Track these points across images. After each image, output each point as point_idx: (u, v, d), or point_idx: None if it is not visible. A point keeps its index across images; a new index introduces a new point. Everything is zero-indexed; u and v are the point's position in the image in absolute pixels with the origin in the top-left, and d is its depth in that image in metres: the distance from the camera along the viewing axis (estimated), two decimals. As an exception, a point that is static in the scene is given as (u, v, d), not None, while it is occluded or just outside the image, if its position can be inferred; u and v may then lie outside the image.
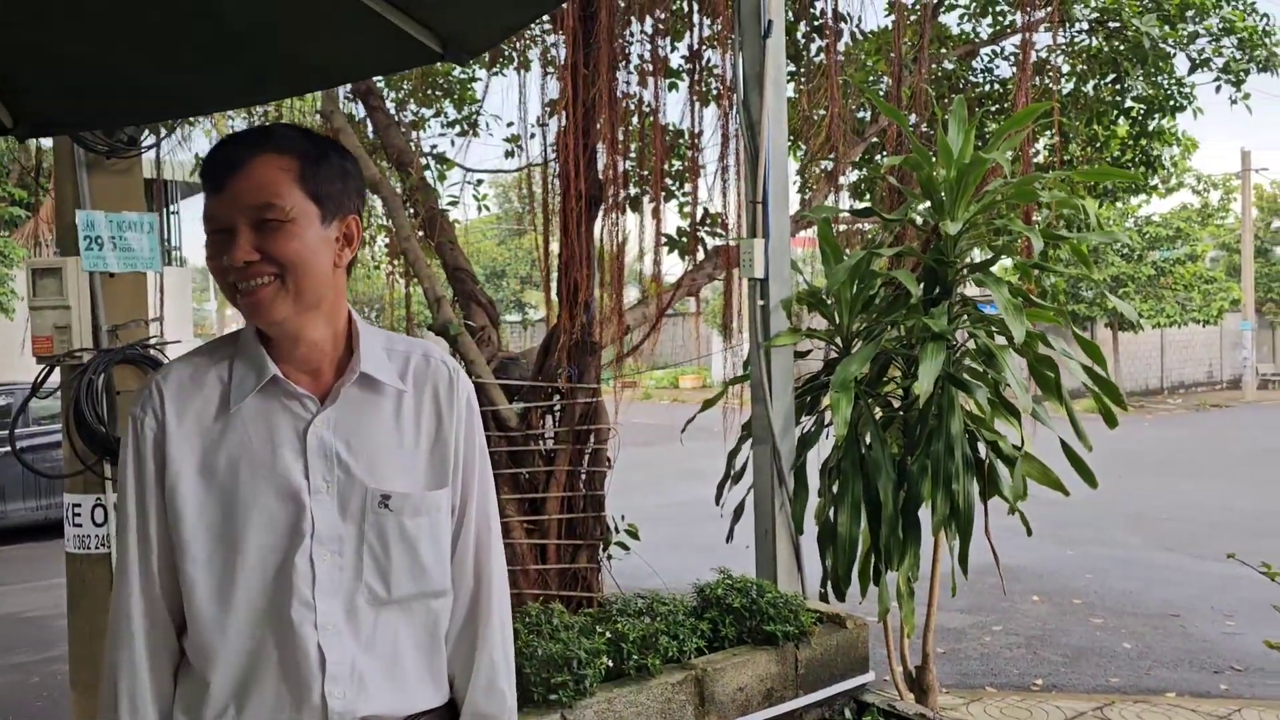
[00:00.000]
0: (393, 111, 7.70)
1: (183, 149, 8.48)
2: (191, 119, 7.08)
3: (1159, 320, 24.88)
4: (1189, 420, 21.86)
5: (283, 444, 1.38)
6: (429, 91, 7.74)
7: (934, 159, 3.71)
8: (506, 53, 7.06)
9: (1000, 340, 3.79)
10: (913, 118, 5.98)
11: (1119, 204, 23.91)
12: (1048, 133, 7.31)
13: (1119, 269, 24.20)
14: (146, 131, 3.76)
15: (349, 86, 6.16)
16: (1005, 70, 6.95)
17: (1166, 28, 6.22)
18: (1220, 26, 5.98)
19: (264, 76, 2.59)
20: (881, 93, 6.63)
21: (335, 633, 1.36)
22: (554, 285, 4.69)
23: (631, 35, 5.89)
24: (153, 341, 3.66)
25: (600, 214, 4.51)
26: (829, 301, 3.87)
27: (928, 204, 3.83)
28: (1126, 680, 5.62)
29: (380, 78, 7.51)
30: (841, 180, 6.71)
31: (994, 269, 3.97)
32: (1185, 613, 6.85)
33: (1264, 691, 5.29)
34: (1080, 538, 9.25)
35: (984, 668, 5.86)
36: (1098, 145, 7.44)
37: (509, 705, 1.50)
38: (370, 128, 6.28)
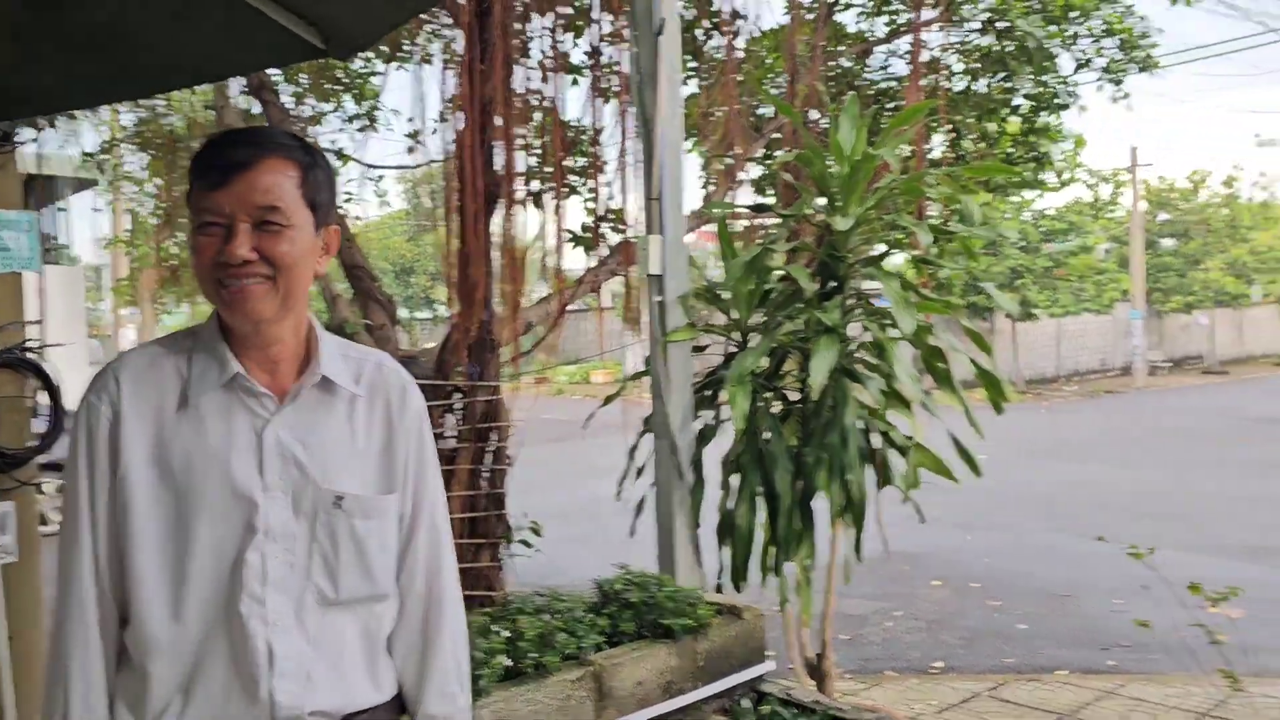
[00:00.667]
0: (290, 106, 7.52)
1: (71, 144, 8.16)
2: (75, 114, 6.82)
3: (1054, 310, 25.78)
4: (1083, 406, 22.73)
5: (240, 441, 1.40)
6: (328, 86, 7.59)
7: (827, 155, 3.78)
8: (407, 47, 6.96)
9: (894, 333, 3.88)
10: (814, 115, 6.09)
11: (1016, 198, 24.73)
12: (943, 129, 7.52)
13: (1017, 261, 24.99)
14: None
15: (243, 80, 6.00)
16: (901, 68, 7.13)
17: (1052, 28, 6.44)
18: (1101, 28, 6.23)
19: (137, 72, 2.51)
20: (781, 90, 6.73)
21: (284, 629, 1.38)
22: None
23: (533, 31, 5.86)
24: (33, 344, 3.51)
25: (500, 210, 4.48)
26: (727, 297, 3.91)
27: (823, 200, 3.90)
28: (1021, 659, 5.82)
29: (277, 73, 7.34)
30: (744, 176, 6.81)
31: (892, 263, 4.08)
32: (1076, 592, 7.12)
33: (1149, 666, 5.53)
34: (980, 523, 9.54)
35: (885, 652, 6.01)
36: (991, 142, 7.67)
37: (461, 705, 1.55)
38: (266, 123, 6.13)
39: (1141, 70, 6.35)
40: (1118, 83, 6.45)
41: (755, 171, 7.30)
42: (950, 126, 7.15)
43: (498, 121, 4.29)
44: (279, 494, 1.39)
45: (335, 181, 1.49)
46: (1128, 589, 7.01)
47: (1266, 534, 8.77)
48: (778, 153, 6.72)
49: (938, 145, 7.67)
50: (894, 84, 7.28)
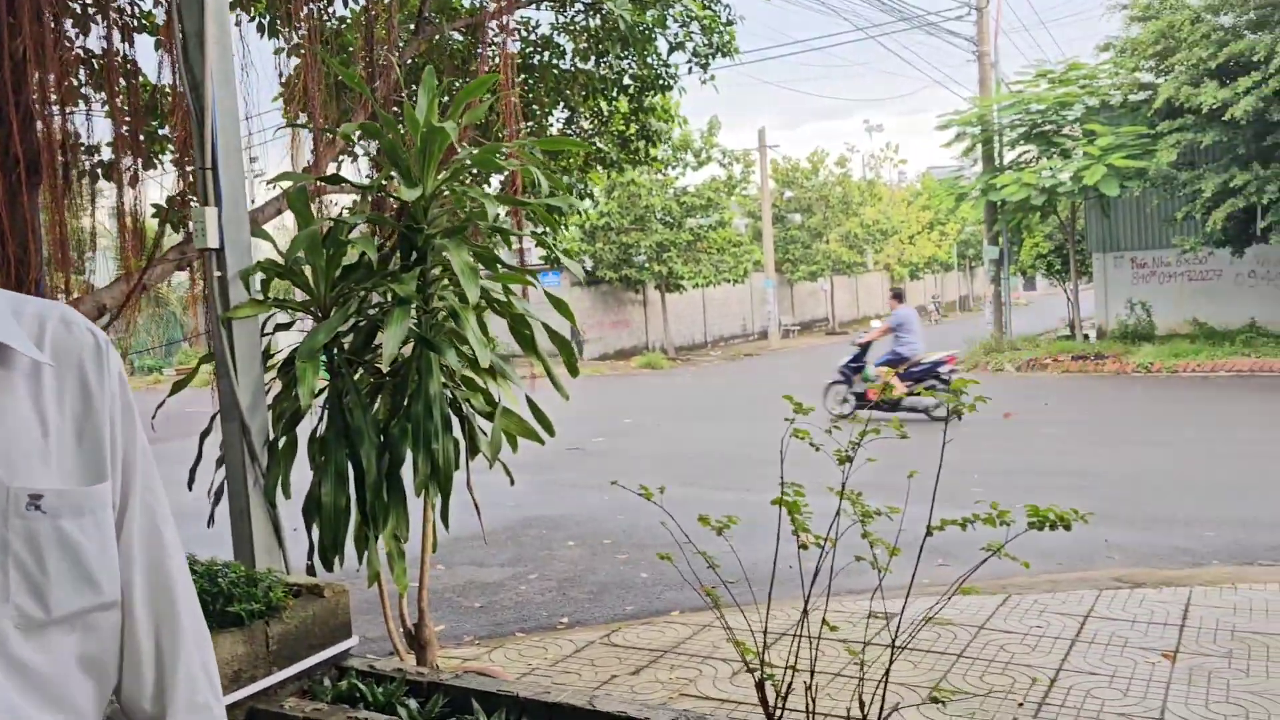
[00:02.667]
0: None
1: None
2: None
3: (698, 281, 27.60)
4: (725, 369, 24.62)
5: None
6: None
7: (402, 127, 3.77)
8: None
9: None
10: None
11: (660, 175, 26.08)
12: (559, 106, 7.76)
13: (662, 236, 26.46)
14: None
15: None
16: (512, 45, 7.24)
17: (648, 14, 6.82)
18: (687, 14, 6.69)
19: None
20: (408, 62, 6.61)
21: None
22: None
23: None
24: None
25: (48, 181, 4.06)
26: (305, 272, 3.80)
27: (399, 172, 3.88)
28: (640, 606, 6.20)
29: None
30: (364, 150, 6.63)
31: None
32: (695, 539, 7.69)
33: (746, 598, 6.11)
34: (621, 483, 10.02)
35: (516, 615, 6.17)
36: (604, 120, 8.02)
37: (217, 716, 1.28)
38: None
39: (723, 55, 6.91)
40: (704, 66, 6.97)
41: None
42: (517, 105, 7.37)
43: (36, 80, 3.87)
44: None
45: None
46: (741, 532, 7.69)
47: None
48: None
49: (557, 121, 7.92)
50: (517, 59, 7.40)
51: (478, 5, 7.10)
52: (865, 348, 14.03)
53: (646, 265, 26.77)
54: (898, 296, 14.45)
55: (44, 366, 1.16)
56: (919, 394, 11.65)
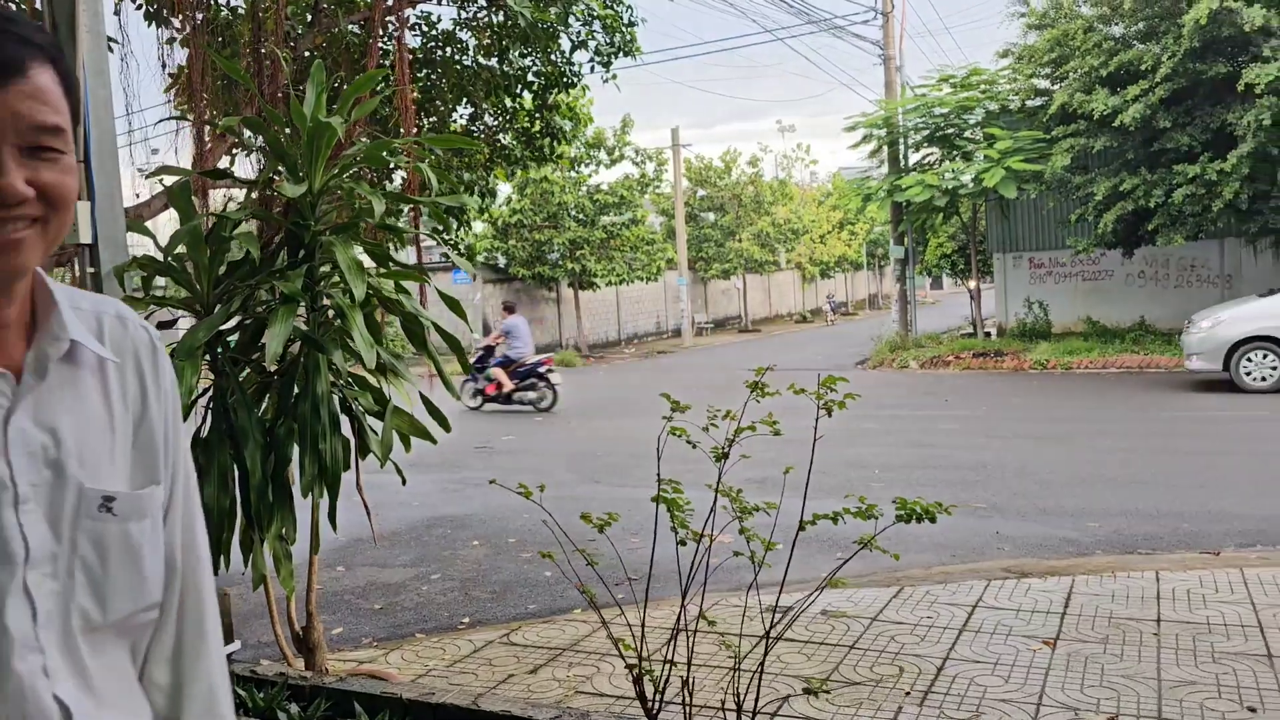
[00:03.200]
0: None
1: None
2: None
3: (612, 278, 27.66)
4: (638, 366, 24.71)
5: None
6: None
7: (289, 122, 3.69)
8: None
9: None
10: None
11: (572, 172, 26.05)
12: (463, 102, 7.70)
13: (576, 233, 26.44)
14: None
15: None
16: (412, 40, 7.17)
17: (550, 12, 6.81)
18: (588, 13, 6.71)
19: None
20: (305, 54, 6.48)
21: (64, 675, 1.04)
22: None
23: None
24: None
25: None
26: (187, 268, 3.70)
27: (284, 167, 3.81)
28: (543, 605, 6.19)
29: None
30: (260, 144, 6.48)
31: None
32: (599, 537, 7.71)
33: (652, 594, 6.14)
34: (527, 480, 9.99)
35: (417, 616, 6.11)
36: (509, 116, 7.99)
37: None
38: None
39: (625, 55, 6.94)
40: (606, 65, 7.00)
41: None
42: (467, 100, 7.33)
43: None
44: (34, 504, 1.05)
45: None
46: (646, 528, 7.73)
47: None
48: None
49: (460, 118, 7.86)
50: (411, 54, 7.31)
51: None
52: (489, 350, 16.23)
53: (560, 262, 26.72)
54: (509, 309, 16.75)
55: (108, 363, 1.13)
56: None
